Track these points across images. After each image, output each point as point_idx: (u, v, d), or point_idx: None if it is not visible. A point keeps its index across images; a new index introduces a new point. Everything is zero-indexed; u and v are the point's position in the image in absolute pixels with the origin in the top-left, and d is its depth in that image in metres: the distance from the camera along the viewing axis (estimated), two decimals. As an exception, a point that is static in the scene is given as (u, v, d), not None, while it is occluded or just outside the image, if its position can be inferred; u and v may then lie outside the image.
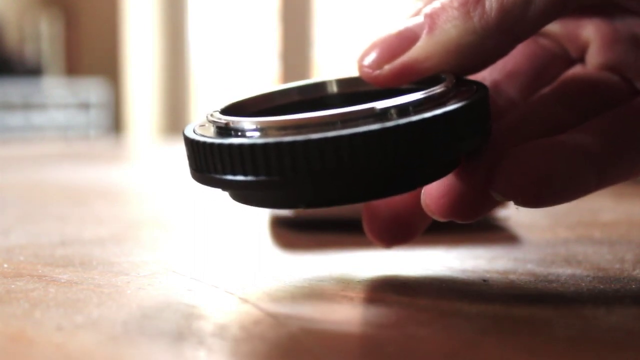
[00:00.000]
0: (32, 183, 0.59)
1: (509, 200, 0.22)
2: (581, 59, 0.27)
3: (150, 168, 0.79)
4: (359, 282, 0.26)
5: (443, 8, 0.23)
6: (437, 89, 0.22)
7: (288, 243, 0.33)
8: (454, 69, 0.23)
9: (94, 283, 0.25)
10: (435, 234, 0.34)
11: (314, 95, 0.27)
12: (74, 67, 2.96)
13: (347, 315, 0.22)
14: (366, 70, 0.24)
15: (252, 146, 0.21)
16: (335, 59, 2.45)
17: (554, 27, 0.28)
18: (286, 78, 2.43)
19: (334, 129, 0.20)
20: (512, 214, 0.38)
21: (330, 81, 0.27)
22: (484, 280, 0.25)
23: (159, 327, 0.20)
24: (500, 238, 0.34)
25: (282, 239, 0.34)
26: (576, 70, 0.27)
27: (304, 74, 2.41)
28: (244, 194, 0.23)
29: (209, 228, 0.39)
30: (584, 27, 0.27)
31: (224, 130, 0.22)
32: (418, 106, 0.21)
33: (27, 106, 2.67)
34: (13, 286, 0.24)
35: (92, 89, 2.77)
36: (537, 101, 0.26)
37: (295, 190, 0.22)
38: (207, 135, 0.22)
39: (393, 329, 0.21)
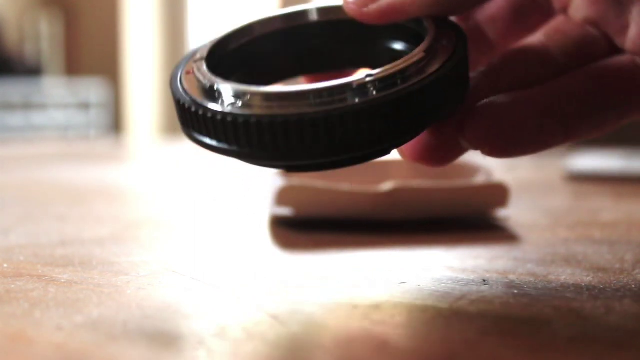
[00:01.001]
0: (32, 183, 0.59)
1: (477, 150, 0.24)
2: (563, 12, 0.27)
3: (150, 168, 0.79)
4: (359, 282, 0.26)
5: None
6: (416, 55, 0.22)
7: (288, 243, 0.33)
8: (440, 9, 0.24)
9: (94, 283, 0.25)
10: (435, 234, 0.34)
11: (295, 24, 0.27)
12: (74, 67, 2.96)
13: (347, 315, 0.22)
14: (352, 7, 0.24)
15: (234, 121, 0.21)
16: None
17: None
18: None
19: (314, 104, 0.21)
20: (511, 214, 0.38)
21: (312, 10, 0.27)
22: (484, 280, 0.25)
23: (159, 327, 0.20)
24: (500, 238, 0.34)
25: (282, 239, 0.34)
26: (559, 22, 0.27)
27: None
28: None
29: (209, 228, 0.39)
30: None
31: (208, 91, 0.23)
32: (399, 75, 0.22)
33: (27, 106, 2.67)
34: (13, 286, 0.24)
35: (92, 89, 2.77)
36: (515, 53, 0.26)
37: (276, 160, 0.23)
38: (192, 93, 0.23)
39: (393, 329, 0.21)
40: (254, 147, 0.22)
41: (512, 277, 0.26)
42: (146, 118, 2.83)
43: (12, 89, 2.64)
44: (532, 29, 0.27)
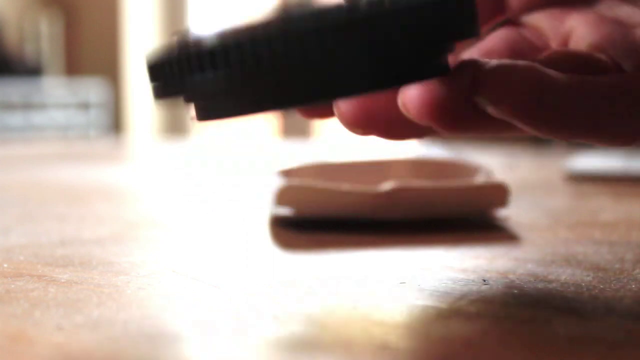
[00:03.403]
0: (32, 183, 0.59)
1: (496, 106, 0.21)
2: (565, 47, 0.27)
3: (150, 168, 0.79)
4: (359, 282, 0.26)
5: None
6: None
7: (288, 243, 0.33)
8: None
9: (94, 283, 0.25)
10: (435, 234, 0.34)
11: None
12: (74, 67, 2.96)
13: (347, 315, 0.22)
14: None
15: (211, 40, 0.19)
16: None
17: (539, 18, 0.28)
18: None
19: (301, 21, 0.19)
20: (511, 213, 0.38)
21: None
22: (484, 280, 0.25)
23: (159, 327, 0.20)
24: (500, 238, 0.34)
25: (282, 239, 0.34)
26: (566, 47, 0.27)
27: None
28: (208, 104, 0.22)
29: (209, 228, 0.39)
30: (568, 16, 0.27)
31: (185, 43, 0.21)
32: None
33: (27, 106, 2.67)
34: (13, 286, 0.24)
35: (92, 89, 2.77)
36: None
37: (257, 86, 0.20)
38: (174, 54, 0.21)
39: (393, 329, 0.21)
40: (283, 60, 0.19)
41: (512, 277, 0.26)
42: (146, 118, 2.83)
43: (12, 89, 2.65)
44: None
